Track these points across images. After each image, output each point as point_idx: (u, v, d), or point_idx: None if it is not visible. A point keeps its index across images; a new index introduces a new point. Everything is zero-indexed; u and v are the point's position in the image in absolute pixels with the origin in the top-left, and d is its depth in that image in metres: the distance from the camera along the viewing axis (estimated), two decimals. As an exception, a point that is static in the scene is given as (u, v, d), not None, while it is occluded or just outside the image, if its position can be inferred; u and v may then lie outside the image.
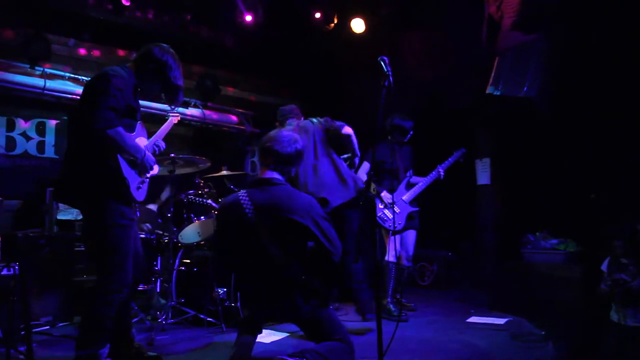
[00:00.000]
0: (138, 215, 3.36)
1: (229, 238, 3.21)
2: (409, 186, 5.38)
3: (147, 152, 3.21)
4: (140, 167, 3.18)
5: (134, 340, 3.44)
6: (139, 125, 3.33)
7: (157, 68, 3.27)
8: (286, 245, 3.09)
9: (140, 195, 3.28)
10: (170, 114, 4.01)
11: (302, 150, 3.30)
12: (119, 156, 3.04)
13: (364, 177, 5.13)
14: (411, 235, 5.36)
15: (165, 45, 3.36)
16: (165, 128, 3.84)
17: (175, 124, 4.04)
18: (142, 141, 3.36)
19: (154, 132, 3.73)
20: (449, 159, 5.43)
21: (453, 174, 5.50)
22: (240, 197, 3.15)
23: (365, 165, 5.28)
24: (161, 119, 4.07)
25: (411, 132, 5.34)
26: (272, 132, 3.31)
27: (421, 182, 5.34)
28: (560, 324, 4.30)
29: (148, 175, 3.31)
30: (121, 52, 6.81)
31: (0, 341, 3.63)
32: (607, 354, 3.84)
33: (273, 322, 4.35)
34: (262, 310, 3.31)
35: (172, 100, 3.40)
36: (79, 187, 3.08)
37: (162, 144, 3.54)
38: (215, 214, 3.48)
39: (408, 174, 5.44)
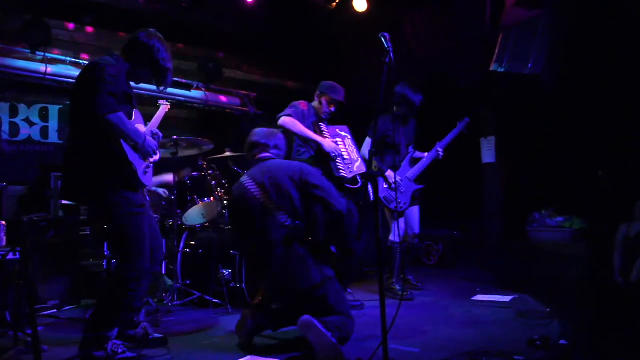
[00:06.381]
0: (148, 199, 3.38)
1: (244, 221, 3.47)
2: (413, 162, 5.27)
3: (147, 136, 3.22)
4: (143, 151, 3.18)
5: (140, 322, 3.46)
6: (135, 112, 3.34)
7: (146, 52, 3.29)
8: (294, 213, 3.35)
9: (147, 179, 3.30)
10: (161, 103, 4.04)
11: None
12: (122, 142, 3.04)
13: (367, 154, 5.07)
14: (415, 211, 5.29)
15: (152, 29, 3.39)
16: (157, 117, 3.89)
17: (178, 108, 4.07)
18: (140, 128, 3.36)
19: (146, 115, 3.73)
20: (449, 135, 5.29)
21: (457, 152, 5.44)
22: (243, 181, 3.51)
23: (368, 141, 5.17)
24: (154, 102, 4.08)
25: (418, 107, 5.17)
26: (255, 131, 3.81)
27: (422, 160, 5.22)
28: (566, 301, 4.30)
29: (151, 160, 3.32)
30: (122, 36, 6.76)
31: (7, 324, 3.67)
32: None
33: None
34: (276, 293, 3.42)
35: (162, 83, 3.43)
36: (87, 181, 3.08)
37: (160, 133, 3.54)
38: (228, 205, 3.65)
39: (410, 149, 5.32)
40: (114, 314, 3.11)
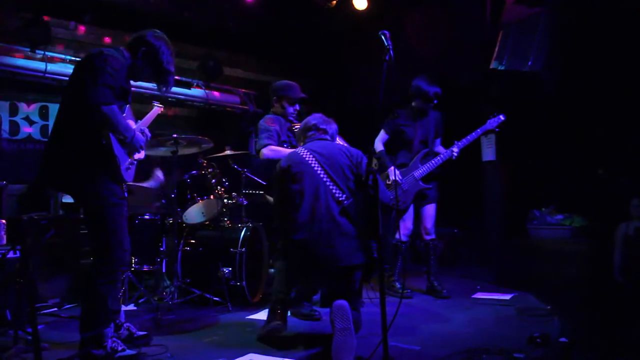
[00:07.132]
0: (126, 195, 3.38)
1: (293, 188, 3.51)
2: (425, 159, 4.99)
3: (136, 132, 3.23)
4: (130, 146, 3.20)
5: (122, 323, 3.45)
6: (127, 107, 3.34)
7: (151, 53, 3.29)
8: (346, 192, 3.46)
9: (128, 176, 3.31)
10: (155, 104, 4.02)
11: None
12: (110, 134, 3.05)
13: (380, 147, 5.03)
14: (428, 209, 5.08)
15: (159, 31, 3.39)
16: (149, 117, 3.87)
17: (178, 107, 4.06)
18: (130, 124, 3.35)
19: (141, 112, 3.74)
20: (471, 134, 4.95)
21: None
22: (299, 152, 3.61)
23: (382, 135, 5.07)
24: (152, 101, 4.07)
25: (435, 101, 4.92)
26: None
27: (436, 158, 4.94)
28: (566, 299, 4.30)
29: (136, 157, 3.34)
30: (122, 34, 6.75)
31: (8, 323, 3.67)
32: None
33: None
34: (316, 263, 3.38)
35: (163, 85, 3.43)
36: (70, 167, 3.07)
37: (148, 132, 3.54)
38: (278, 173, 3.63)
39: (437, 142, 5.12)
40: (102, 308, 3.08)
